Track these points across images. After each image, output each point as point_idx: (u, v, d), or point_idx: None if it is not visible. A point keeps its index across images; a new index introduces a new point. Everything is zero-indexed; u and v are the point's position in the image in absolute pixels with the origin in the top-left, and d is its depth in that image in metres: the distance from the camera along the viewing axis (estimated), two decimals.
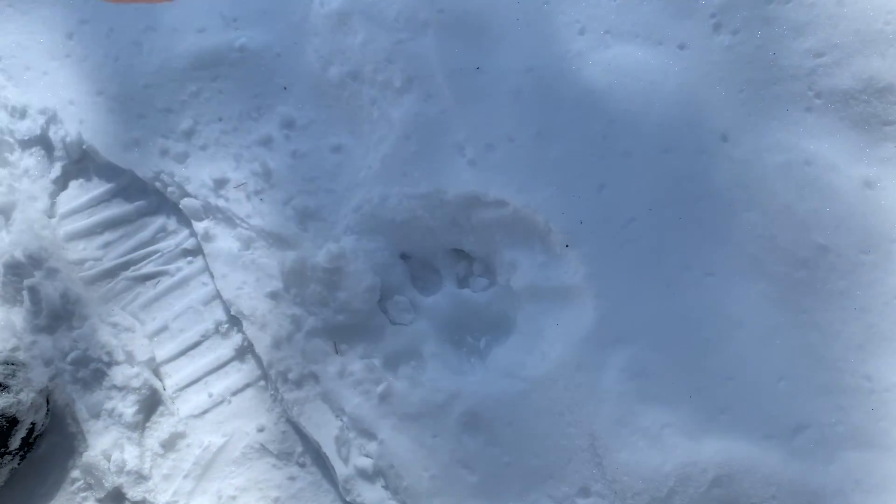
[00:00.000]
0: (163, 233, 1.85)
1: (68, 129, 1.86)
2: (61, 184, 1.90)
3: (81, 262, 1.83)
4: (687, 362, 1.44)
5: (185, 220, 1.81)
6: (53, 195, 1.89)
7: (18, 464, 1.61)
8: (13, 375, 1.62)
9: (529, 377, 1.49)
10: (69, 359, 1.69)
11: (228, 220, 1.75)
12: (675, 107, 1.58)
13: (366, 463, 1.55)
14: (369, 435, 1.56)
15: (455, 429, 1.52)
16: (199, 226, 1.77)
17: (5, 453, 1.57)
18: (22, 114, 1.90)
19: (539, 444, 1.48)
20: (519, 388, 1.51)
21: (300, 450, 1.65)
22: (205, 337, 1.75)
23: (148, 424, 1.69)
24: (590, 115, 1.59)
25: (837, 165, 1.49)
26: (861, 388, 1.39)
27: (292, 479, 1.62)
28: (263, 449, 1.65)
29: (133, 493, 1.62)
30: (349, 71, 1.73)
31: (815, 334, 1.43)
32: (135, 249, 1.83)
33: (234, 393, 1.70)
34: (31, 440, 1.62)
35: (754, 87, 1.56)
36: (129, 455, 1.63)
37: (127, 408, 1.66)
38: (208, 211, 1.77)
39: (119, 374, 1.68)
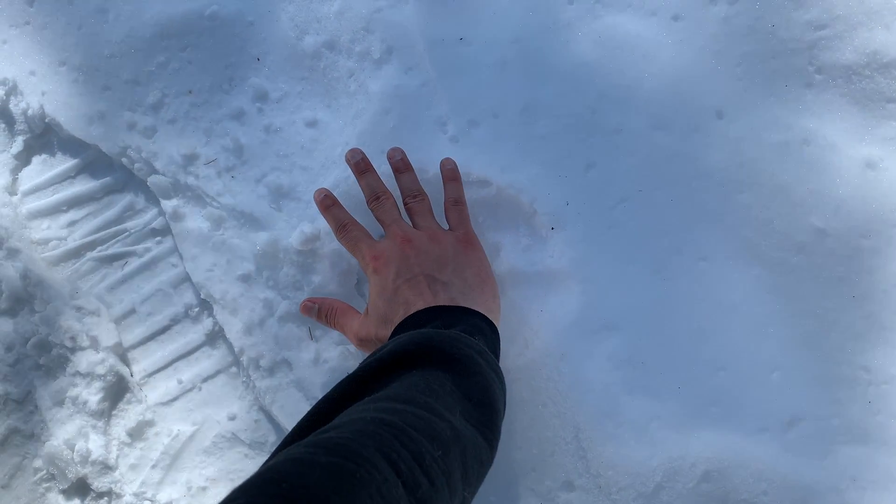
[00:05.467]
0: (130, 211, 1.76)
1: (30, 101, 1.76)
2: (24, 159, 1.81)
3: (45, 241, 1.74)
4: (676, 352, 1.37)
5: (153, 198, 1.72)
6: (15, 171, 1.79)
7: None
8: None
9: (512, 366, 1.42)
10: (31, 344, 1.61)
11: (198, 198, 1.67)
12: (669, 82, 1.50)
13: None
14: None
15: None
16: (168, 204, 1.68)
17: None
18: None
19: (521, 435, 1.41)
20: None
21: (273, 439, 1.57)
22: (174, 321, 1.67)
23: (114, 412, 1.62)
24: (578, 90, 1.51)
25: (838, 145, 1.42)
26: (858, 380, 1.33)
27: None
28: (235, 438, 1.58)
29: (98, 483, 1.55)
30: (325, 41, 1.64)
31: (811, 323, 1.36)
32: (101, 229, 1.75)
33: (205, 380, 1.63)
34: None
35: (752, 61, 1.48)
36: (94, 444, 1.56)
37: (92, 395, 1.59)
38: (177, 189, 1.68)
39: (83, 360, 1.60)
